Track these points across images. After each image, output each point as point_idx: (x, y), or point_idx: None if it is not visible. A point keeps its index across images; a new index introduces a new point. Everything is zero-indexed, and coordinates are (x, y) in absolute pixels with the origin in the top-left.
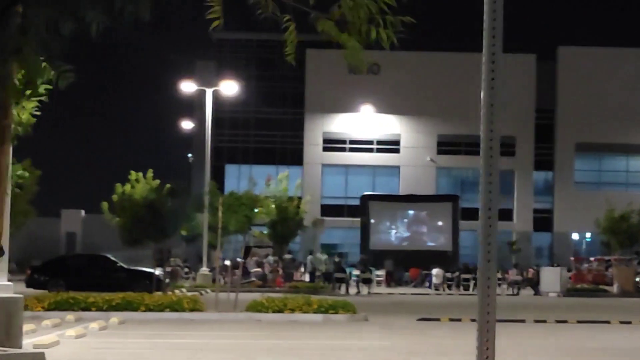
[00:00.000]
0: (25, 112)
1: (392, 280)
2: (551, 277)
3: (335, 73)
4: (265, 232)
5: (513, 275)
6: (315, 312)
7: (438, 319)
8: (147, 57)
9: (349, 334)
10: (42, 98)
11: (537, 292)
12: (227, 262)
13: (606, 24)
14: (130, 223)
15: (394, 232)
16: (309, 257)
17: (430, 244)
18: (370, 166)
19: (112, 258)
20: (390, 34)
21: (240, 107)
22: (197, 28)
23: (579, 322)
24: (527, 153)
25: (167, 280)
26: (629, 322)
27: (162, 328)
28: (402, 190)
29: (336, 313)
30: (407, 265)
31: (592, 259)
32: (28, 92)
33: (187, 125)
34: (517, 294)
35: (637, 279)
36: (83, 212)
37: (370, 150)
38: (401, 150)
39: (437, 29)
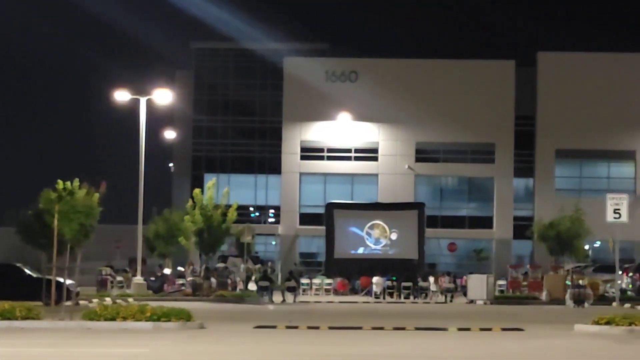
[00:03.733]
0: None
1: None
2: (477, 285)
3: (313, 81)
4: (193, 240)
5: (446, 282)
6: (147, 320)
7: (274, 327)
8: (126, 66)
9: (149, 341)
10: None
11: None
12: (167, 271)
13: (586, 30)
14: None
15: (360, 240)
16: (242, 266)
17: (395, 252)
18: (349, 174)
19: (22, 267)
20: None
21: (219, 116)
22: (177, 37)
23: (417, 329)
24: (506, 160)
25: (78, 290)
26: (468, 329)
27: None
28: (381, 199)
29: (168, 321)
30: (371, 273)
31: (528, 266)
32: None
33: (169, 135)
34: (451, 301)
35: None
36: None
37: (348, 158)
38: (379, 158)
39: (415, 36)
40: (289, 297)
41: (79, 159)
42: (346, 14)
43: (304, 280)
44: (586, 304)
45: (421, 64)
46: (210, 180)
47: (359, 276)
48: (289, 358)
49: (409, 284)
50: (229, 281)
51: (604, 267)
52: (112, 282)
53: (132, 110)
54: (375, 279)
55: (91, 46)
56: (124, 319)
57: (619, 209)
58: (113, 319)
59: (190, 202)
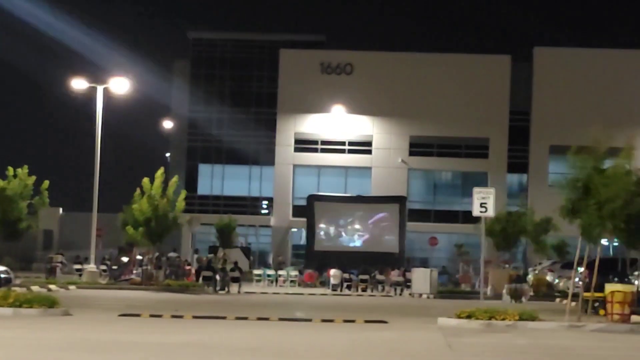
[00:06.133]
0: None
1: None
2: (421, 279)
3: (308, 73)
4: (139, 230)
5: (395, 276)
6: (9, 306)
7: (139, 315)
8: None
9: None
10: None
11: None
12: (125, 259)
13: (582, 25)
14: None
15: (340, 233)
16: (195, 256)
17: (377, 245)
18: (342, 167)
19: None
20: None
21: (214, 107)
22: (174, 26)
23: (280, 319)
24: (500, 155)
25: (10, 276)
26: (332, 321)
27: None
28: (374, 192)
29: (30, 307)
30: (350, 266)
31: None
32: None
33: (166, 125)
34: (400, 294)
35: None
36: (60, 210)
37: (342, 151)
38: (373, 151)
39: (410, 30)
40: (234, 287)
41: (76, 151)
42: (342, 7)
43: (270, 272)
44: (524, 299)
45: (417, 57)
46: (159, 170)
47: (329, 269)
48: (95, 344)
49: (366, 277)
50: (192, 271)
51: (571, 264)
52: (62, 269)
53: (135, 103)
54: (332, 272)
55: (89, 36)
56: None
57: (485, 203)
58: None
59: (138, 191)
